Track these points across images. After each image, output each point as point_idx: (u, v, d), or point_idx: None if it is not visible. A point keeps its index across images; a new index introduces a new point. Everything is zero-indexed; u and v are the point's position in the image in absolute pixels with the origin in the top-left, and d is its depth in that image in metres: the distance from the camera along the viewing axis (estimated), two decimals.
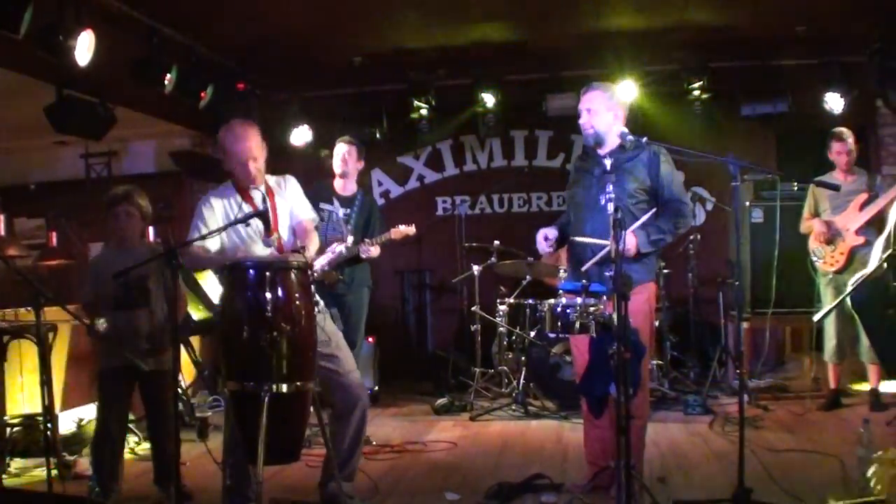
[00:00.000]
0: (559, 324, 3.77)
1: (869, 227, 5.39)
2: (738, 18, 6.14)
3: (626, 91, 6.43)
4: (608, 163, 3.86)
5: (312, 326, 3.29)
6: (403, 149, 8.16)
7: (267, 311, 3.12)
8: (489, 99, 7.14)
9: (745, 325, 6.09)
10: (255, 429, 3.05)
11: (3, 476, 4.49)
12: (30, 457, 4.85)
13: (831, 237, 5.50)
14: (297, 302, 3.20)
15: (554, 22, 6.21)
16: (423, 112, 7.35)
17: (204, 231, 3.54)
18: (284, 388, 3.11)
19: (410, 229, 5.45)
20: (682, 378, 6.63)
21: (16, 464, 4.79)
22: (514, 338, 6.51)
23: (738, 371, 4.46)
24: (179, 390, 5.27)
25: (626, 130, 3.81)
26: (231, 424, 3.43)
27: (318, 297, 3.42)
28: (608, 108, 3.89)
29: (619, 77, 6.57)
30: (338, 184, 5.49)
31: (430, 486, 4.20)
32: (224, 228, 3.51)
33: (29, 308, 4.56)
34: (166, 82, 5.58)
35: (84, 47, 4.72)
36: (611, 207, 3.66)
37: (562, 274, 4.00)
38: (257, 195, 3.67)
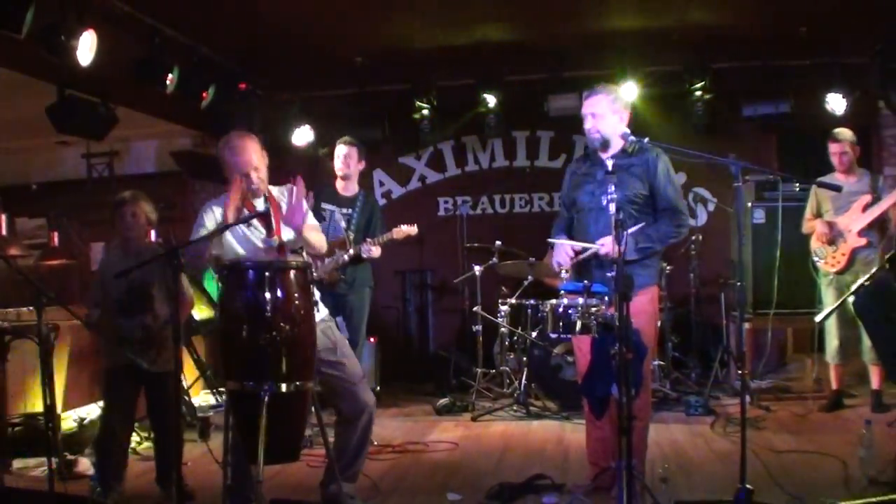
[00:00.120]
0: (561, 324, 3.78)
1: (870, 228, 5.40)
2: (739, 19, 6.13)
3: (628, 92, 6.42)
4: (610, 164, 3.85)
5: (312, 326, 3.29)
6: (405, 149, 8.16)
7: (266, 311, 3.12)
8: (491, 99, 7.13)
9: (746, 325, 6.07)
10: (255, 429, 3.05)
11: (5, 475, 4.49)
12: (31, 456, 4.84)
13: (833, 238, 5.50)
14: (297, 302, 3.20)
15: (556, 22, 6.20)
16: (425, 112, 7.33)
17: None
18: (284, 387, 3.11)
19: (412, 229, 5.44)
20: (683, 379, 6.63)
21: (17, 463, 4.79)
22: (515, 338, 6.51)
23: (739, 372, 4.44)
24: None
25: (627, 131, 3.81)
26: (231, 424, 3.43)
27: (323, 305, 3.43)
28: (613, 112, 3.89)
29: (620, 77, 6.55)
30: (339, 185, 5.48)
31: (432, 487, 4.21)
32: (226, 228, 3.51)
33: (30, 308, 4.57)
34: (168, 82, 5.58)
35: (86, 47, 4.72)
36: (612, 208, 3.66)
37: (563, 275, 4.00)
38: (259, 200, 3.68)
